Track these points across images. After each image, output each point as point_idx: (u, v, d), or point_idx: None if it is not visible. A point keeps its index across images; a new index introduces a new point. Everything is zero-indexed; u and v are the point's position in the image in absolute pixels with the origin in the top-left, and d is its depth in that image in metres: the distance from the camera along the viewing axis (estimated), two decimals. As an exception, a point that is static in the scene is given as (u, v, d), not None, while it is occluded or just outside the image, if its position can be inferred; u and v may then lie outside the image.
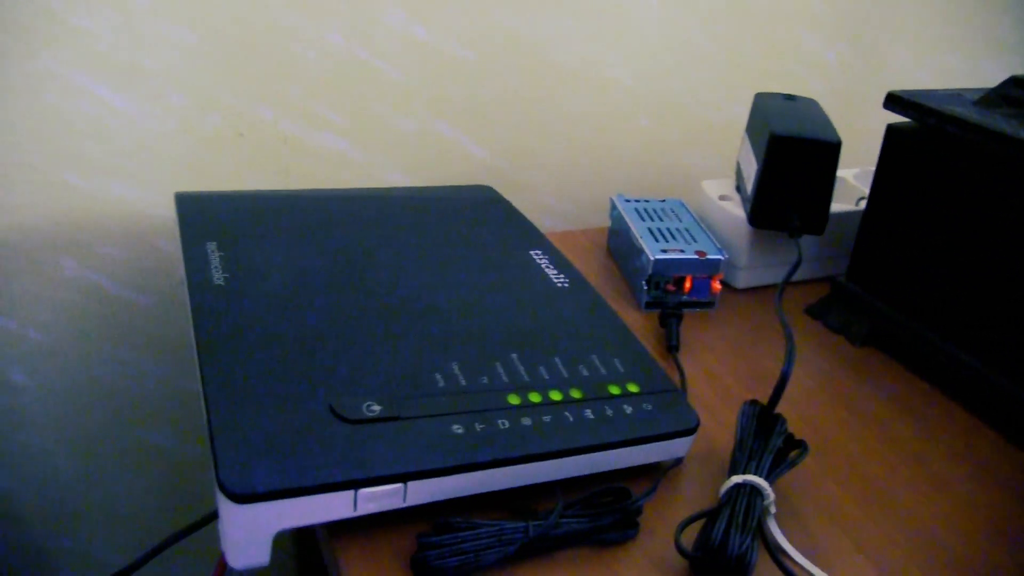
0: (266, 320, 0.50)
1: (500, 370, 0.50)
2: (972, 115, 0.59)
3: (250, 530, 0.40)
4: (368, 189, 0.71)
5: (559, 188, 0.91)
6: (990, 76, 1.08)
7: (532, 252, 0.64)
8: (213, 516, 0.44)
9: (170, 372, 0.84)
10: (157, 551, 0.60)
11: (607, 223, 0.80)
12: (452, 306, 0.55)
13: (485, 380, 0.48)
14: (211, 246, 0.57)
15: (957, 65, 1.06)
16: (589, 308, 0.58)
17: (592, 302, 0.59)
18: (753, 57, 0.94)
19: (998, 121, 0.58)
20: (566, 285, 0.60)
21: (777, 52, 0.95)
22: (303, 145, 0.79)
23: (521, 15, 0.81)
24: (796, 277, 0.75)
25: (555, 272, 0.62)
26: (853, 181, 0.81)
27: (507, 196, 0.77)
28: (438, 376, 0.48)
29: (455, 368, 0.49)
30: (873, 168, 0.67)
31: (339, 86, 0.78)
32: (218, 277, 0.53)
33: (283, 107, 0.77)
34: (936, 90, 0.65)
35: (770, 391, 0.51)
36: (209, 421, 0.42)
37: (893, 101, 0.63)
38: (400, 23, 0.77)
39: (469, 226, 0.67)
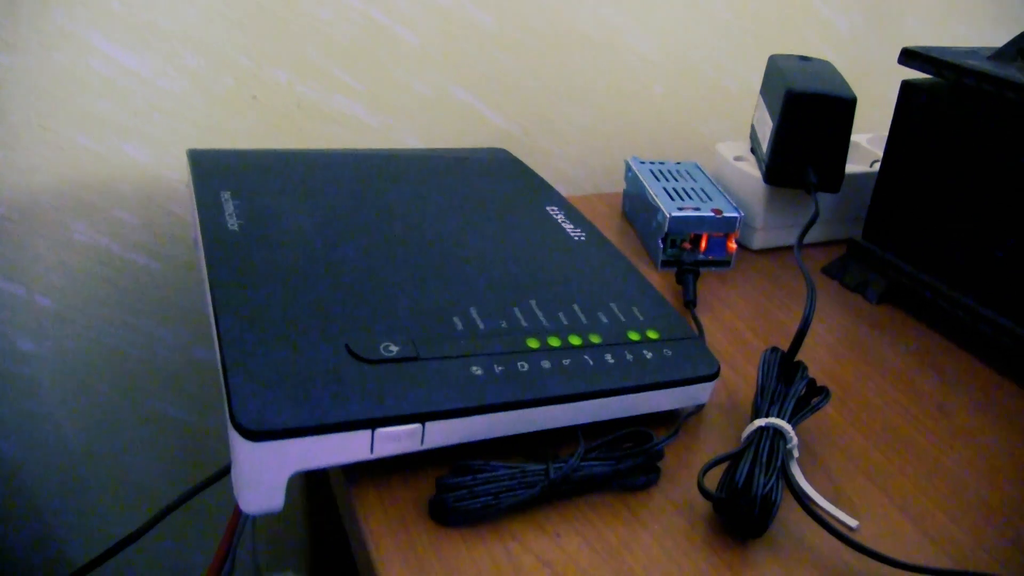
0: (281, 263, 0.50)
1: (519, 315, 0.49)
2: (989, 68, 0.58)
3: (264, 471, 0.40)
4: (383, 149, 0.71)
5: (574, 154, 0.91)
6: (998, 42, 1.07)
7: (548, 208, 0.64)
8: (226, 471, 0.43)
9: (183, 340, 0.84)
10: (171, 509, 0.60)
11: (623, 187, 0.79)
12: (470, 254, 0.55)
13: (504, 324, 0.48)
14: (225, 195, 0.56)
15: (968, 34, 1.06)
16: (606, 259, 0.58)
17: (609, 254, 0.59)
18: (768, 24, 0.93)
19: (1014, 73, 0.57)
20: (583, 238, 0.60)
21: (792, 20, 0.94)
22: (317, 108, 0.78)
23: (536, -20, 0.81)
24: (811, 239, 0.74)
25: (571, 227, 0.61)
26: (867, 145, 0.81)
27: (524, 160, 0.77)
28: (456, 319, 0.48)
29: (473, 312, 0.48)
30: (886, 134, 0.67)
31: (355, 49, 0.77)
32: (232, 223, 0.53)
33: (298, 70, 0.76)
34: (949, 47, 0.65)
35: (789, 344, 0.51)
36: (223, 358, 0.42)
37: (909, 56, 0.63)
38: (415, -14, 0.77)
39: (485, 183, 0.66)
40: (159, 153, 0.75)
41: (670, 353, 0.49)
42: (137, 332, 0.82)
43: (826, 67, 0.71)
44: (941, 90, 0.62)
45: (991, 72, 0.57)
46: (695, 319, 0.61)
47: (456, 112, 0.83)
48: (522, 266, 0.55)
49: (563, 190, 0.91)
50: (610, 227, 0.76)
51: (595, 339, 0.48)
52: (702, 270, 0.68)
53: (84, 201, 0.75)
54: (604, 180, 0.92)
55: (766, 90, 0.73)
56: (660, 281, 0.67)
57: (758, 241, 0.73)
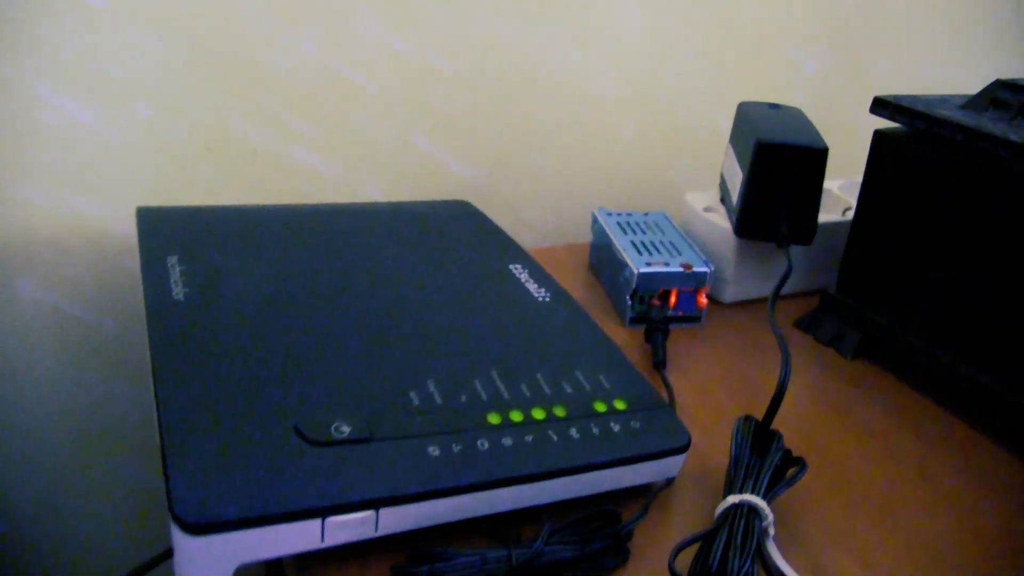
0: (228, 337, 0.47)
1: (479, 388, 0.47)
2: (961, 118, 0.57)
3: (208, 565, 0.37)
4: (340, 204, 0.69)
5: (540, 202, 0.89)
6: (967, 85, 1.07)
7: (511, 266, 0.61)
8: (170, 553, 0.40)
9: (138, 396, 0.81)
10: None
11: (590, 237, 0.77)
12: (428, 321, 0.52)
13: (463, 399, 0.46)
14: (172, 260, 0.54)
15: (935, 74, 1.05)
16: (571, 322, 0.56)
17: (574, 316, 0.57)
18: (736, 67, 0.92)
19: (987, 123, 0.56)
20: (547, 299, 0.58)
21: (760, 62, 0.93)
22: (274, 159, 0.76)
23: (501, 24, 0.79)
24: (783, 290, 0.73)
25: (535, 286, 0.59)
26: (838, 192, 0.79)
27: (487, 211, 0.75)
28: (412, 395, 0.45)
29: (431, 386, 0.46)
30: (858, 180, 0.65)
31: (312, 98, 0.75)
32: (178, 292, 0.50)
33: (254, 120, 0.74)
34: (921, 95, 0.63)
35: (763, 406, 0.49)
36: (162, 444, 0.39)
37: (880, 105, 0.61)
38: (376, 33, 0.75)
39: (445, 240, 0.64)
40: (110, 207, 0.72)
41: (638, 425, 0.47)
42: (91, 389, 0.79)
43: (796, 115, 0.70)
44: (913, 140, 0.61)
45: (963, 123, 0.56)
46: (665, 381, 0.59)
47: (417, 161, 0.81)
48: (483, 332, 0.52)
49: (529, 239, 0.89)
50: (577, 280, 0.74)
51: (560, 412, 0.46)
52: (672, 326, 0.66)
53: (31, 257, 0.72)
54: (571, 228, 0.90)
55: (735, 138, 0.72)
56: (629, 339, 0.65)
57: (729, 294, 0.71)
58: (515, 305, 0.56)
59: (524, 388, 0.47)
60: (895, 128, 0.62)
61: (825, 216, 0.71)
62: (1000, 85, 0.60)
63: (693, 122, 0.92)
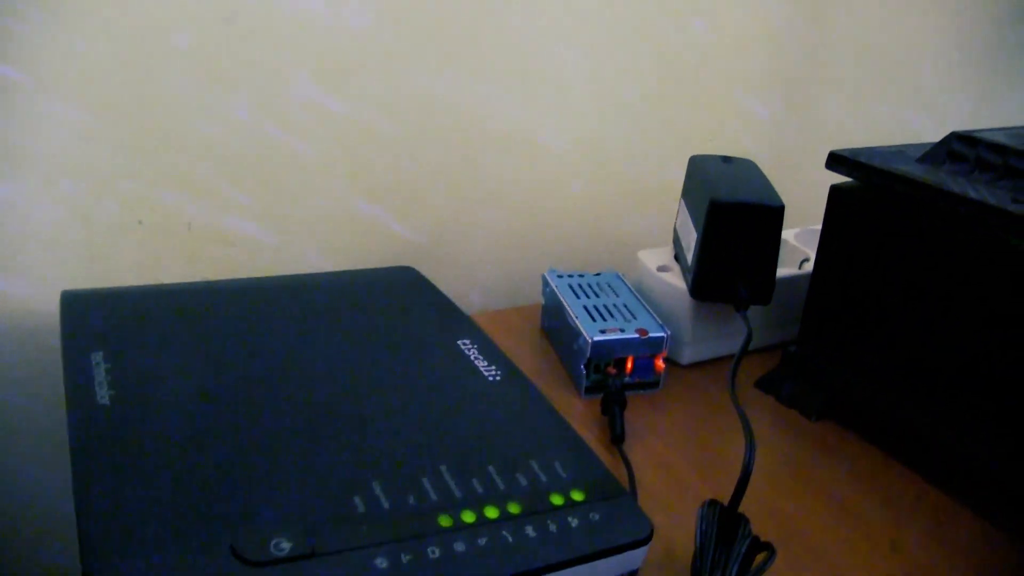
0: (157, 445, 0.44)
1: (428, 487, 0.44)
2: (918, 173, 0.56)
3: None
4: (278, 278, 0.66)
5: (489, 262, 0.86)
6: (918, 127, 1.07)
7: (460, 342, 0.59)
8: None
9: (64, 485, 0.76)
10: None
11: (541, 298, 0.74)
12: (372, 413, 0.49)
13: (412, 500, 0.43)
14: (97, 357, 0.50)
15: (886, 116, 1.05)
16: (524, 404, 0.53)
17: (527, 397, 0.54)
18: (687, 117, 0.90)
19: (945, 179, 0.55)
20: (498, 378, 0.55)
21: (711, 110, 0.92)
22: (210, 230, 0.73)
23: (442, 81, 0.77)
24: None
25: (485, 364, 0.56)
26: (794, 242, 0.78)
27: (434, 272, 0.72)
28: (357, 499, 0.42)
29: (377, 488, 0.43)
30: (813, 227, 0.64)
31: (247, 165, 0.72)
32: (103, 395, 0.47)
33: (186, 190, 0.71)
34: (877, 147, 0.62)
35: (727, 478, 0.47)
36: (83, 569, 0.36)
37: (836, 161, 0.60)
38: (310, 95, 0.72)
39: (390, 316, 0.61)
40: (35, 286, 0.69)
41: (598, 517, 0.44)
42: (12, 480, 0.74)
43: (750, 169, 0.68)
44: (871, 196, 0.59)
45: (922, 179, 0.55)
46: (624, 459, 0.56)
47: (360, 225, 0.78)
48: (431, 421, 0.49)
49: (479, 300, 0.86)
50: (529, 346, 0.71)
51: (514, 509, 0.43)
52: (630, 393, 0.64)
53: (-50, 342, 0.68)
54: (523, 288, 0.88)
55: (688, 194, 0.70)
56: (585, 410, 0.63)
57: (687, 356, 0.69)
58: (464, 387, 0.54)
59: (476, 484, 0.45)
60: (852, 183, 0.61)
61: (783, 270, 0.69)
62: (956, 138, 0.58)
63: (644, 174, 0.90)
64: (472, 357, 0.57)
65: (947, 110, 1.09)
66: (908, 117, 1.07)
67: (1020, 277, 0.51)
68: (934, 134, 0.96)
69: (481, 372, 0.55)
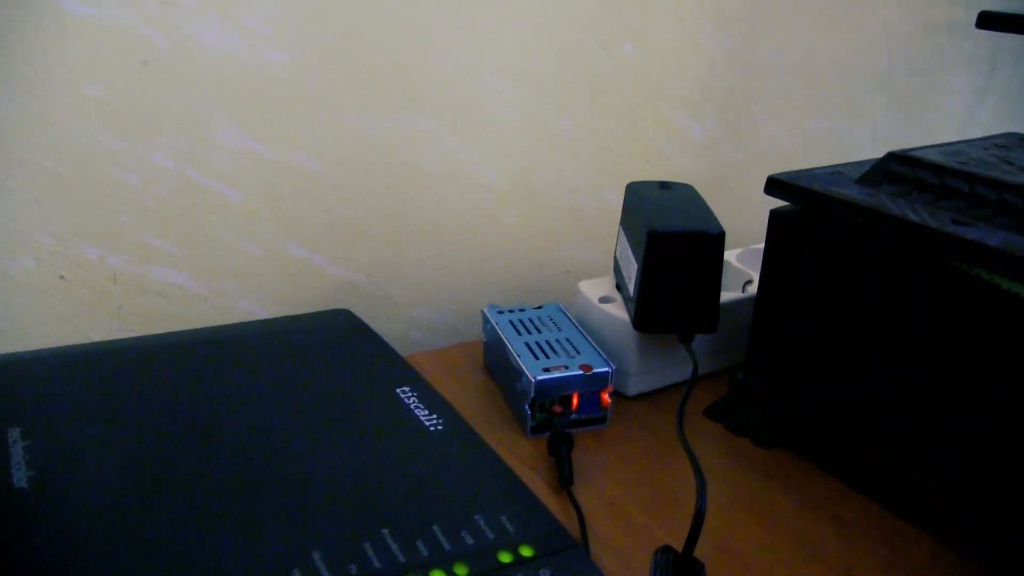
0: (80, 529, 0.41)
1: (370, 553, 0.42)
2: (857, 196, 0.55)
3: None
4: (209, 330, 0.63)
5: (428, 299, 0.84)
6: (854, 139, 1.07)
7: (398, 390, 0.57)
8: None
9: None
10: None
11: (482, 334, 0.73)
12: (310, 474, 0.47)
13: (353, 570, 0.41)
14: (14, 434, 0.47)
15: (822, 130, 1.05)
16: (468, 455, 0.51)
17: (471, 446, 0.52)
18: (622, 140, 0.89)
19: (885, 201, 0.54)
20: (439, 428, 0.53)
21: (646, 132, 0.91)
22: (136, 282, 0.70)
23: (369, 118, 0.75)
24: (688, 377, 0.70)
25: (426, 413, 0.54)
26: (737, 263, 0.77)
27: (373, 312, 0.70)
28: (297, 573, 0.40)
29: (316, 558, 0.41)
30: (755, 246, 0.63)
31: (171, 213, 0.70)
32: (20, 477, 0.44)
33: (109, 242, 0.68)
34: (815, 169, 0.61)
35: (681, 518, 0.46)
36: None
37: (775, 186, 0.59)
38: (234, 138, 0.70)
39: (326, 366, 0.59)
40: (-47, 351, 0.66)
41: (548, 573, 0.43)
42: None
43: (687, 194, 0.67)
44: (811, 221, 0.58)
45: (862, 203, 0.54)
46: (574, 504, 0.54)
47: (292, 269, 0.76)
48: (371, 480, 0.47)
49: (420, 338, 0.84)
50: (472, 384, 0.70)
51: (461, 571, 0.42)
52: (577, 430, 0.62)
53: None
54: (464, 324, 0.86)
55: (626, 223, 0.69)
56: (532, 450, 0.61)
57: (634, 387, 0.67)
58: (405, 440, 0.52)
59: (420, 546, 0.43)
60: (791, 207, 0.60)
61: (727, 293, 0.68)
62: (893, 158, 0.58)
63: (581, 201, 0.89)
64: (412, 406, 0.55)
65: (883, 121, 1.10)
66: (844, 129, 1.07)
67: (961, 298, 0.50)
68: (871, 146, 0.97)
69: (422, 422, 0.53)
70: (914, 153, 0.57)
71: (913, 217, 0.51)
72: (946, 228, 0.50)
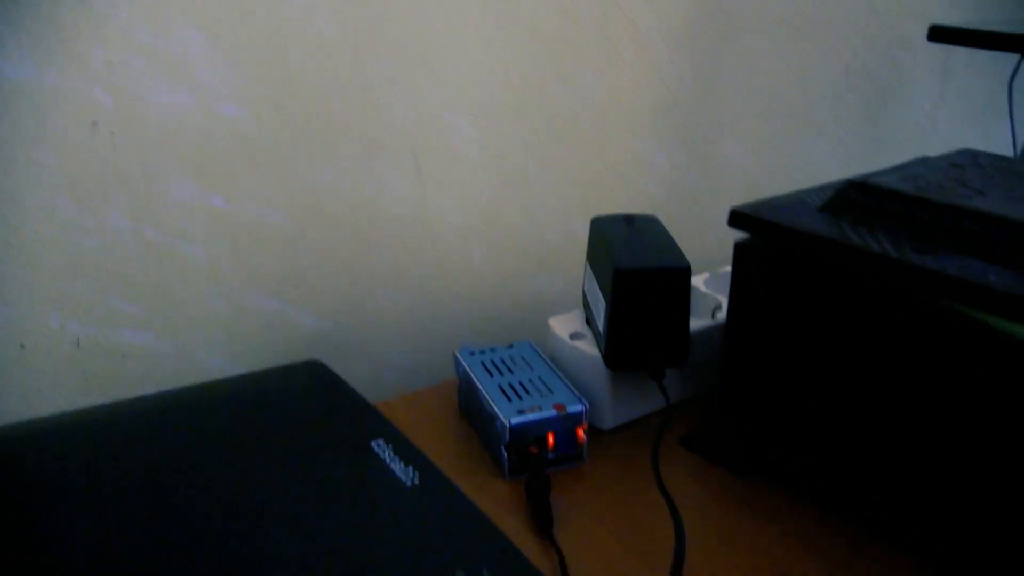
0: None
1: (350, 623, 0.41)
2: (819, 228, 0.55)
3: None
4: (176, 392, 0.62)
5: (399, 343, 0.83)
6: (816, 156, 1.08)
7: (373, 443, 0.56)
8: None
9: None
10: None
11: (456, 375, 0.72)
12: (285, 540, 0.46)
13: (333, 641, 0.40)
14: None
15: (784, 150, 1.06)
16: (446, 508, 0.50)
17: (448, 499, 0.51)
18: (586, 170, 0.89)
19: (846, 230, 0.55)
20: (416, 482, 0.52)
21: (608, 161, 0.91)
22: (101, 346, 0.69)
23: (329, 167, 0.74)
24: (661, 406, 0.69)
25: (401, 466, 0.54)
26: (704, 288, 0.77)
27: (343, 358, 0.69)
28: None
29: (295, 632, 0.40)
30: (723, 270, 0.63)
31: (132, 273, 0.69)
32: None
33: (69, 307, 0.67)
34: (777, 198, 0.61)
35: (662, 555, 0.45)
36: None
37: (738, 220, 0.59)
38: (192, 195, 0.69)
39: (295, 420, 0.58)
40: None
41: (533, 629, 0.42)
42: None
43: (653, 228, 0.67)
44: (776, 253, 0.58)
45: (824, 235, 0.54)
46: (556, 549, 0.54)
47: (260, 322, 0.75)
48: (349, 544, 0.47)
49: (392, 381, 0.84)
50: (448, 428, 0.69)
51: (444, 633, 0.41)
52: (554, 469, 0.62)
53: None
54: (437, 365, 0.85)
55: (593, 259, 0.69)
56: (510, 492, 0.61)
57: (609, 421, 0.67)
58: (381, 497, 0.51)
59: (401, 611, 0.42)
60: (755, 239, 0.60)
61: (696, 321, 0.68)
62: (851, 186, 0.58)
63: (547, 235, 0.89)
64: (387, 460, 0.54)
65: (845, 138, 1.11)
66: (806, 147, 1.08)
67: (923, 325, 0.50)
68: (835, 163, 0.97)
69: (398, 477, 0.53)
70: (874, 180, 0.58)
71: (874, 247, 0.51)
72: (906, 257, 0.50)
